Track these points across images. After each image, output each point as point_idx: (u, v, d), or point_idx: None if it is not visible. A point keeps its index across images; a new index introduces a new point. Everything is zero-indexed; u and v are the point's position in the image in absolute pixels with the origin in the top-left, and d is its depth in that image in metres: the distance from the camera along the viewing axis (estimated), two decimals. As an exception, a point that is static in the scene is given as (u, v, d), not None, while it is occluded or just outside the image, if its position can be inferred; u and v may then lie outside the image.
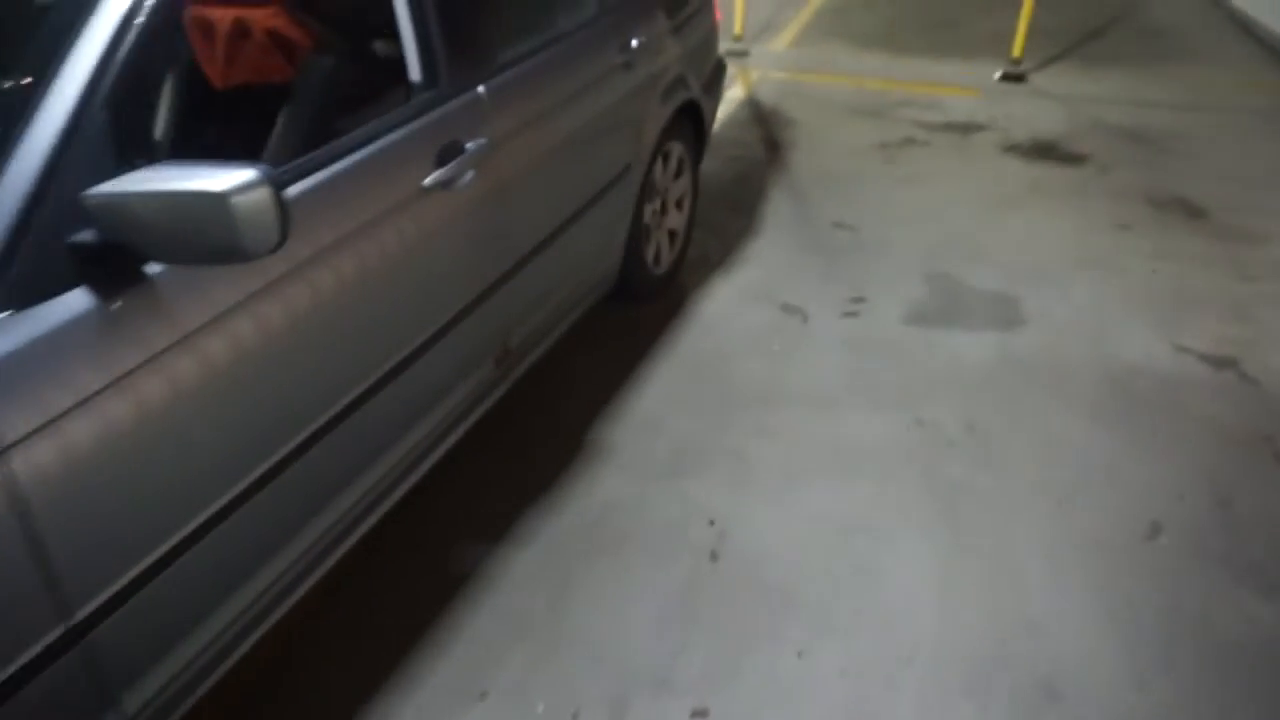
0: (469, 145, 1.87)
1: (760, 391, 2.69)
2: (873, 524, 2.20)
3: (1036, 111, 4.90)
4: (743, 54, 5.89)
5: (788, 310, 3.09)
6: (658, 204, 3.01)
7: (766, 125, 4.77)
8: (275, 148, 1.98)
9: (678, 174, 3.12)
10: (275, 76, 2.33)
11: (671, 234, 3.19)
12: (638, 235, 2.87)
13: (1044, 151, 4.39)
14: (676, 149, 3.05)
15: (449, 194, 1.81)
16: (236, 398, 1.42)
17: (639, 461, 2.40)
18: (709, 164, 4.18)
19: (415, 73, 1.89)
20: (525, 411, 2.56)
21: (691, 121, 3.13)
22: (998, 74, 5.39)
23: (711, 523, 2.20)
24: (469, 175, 1.86)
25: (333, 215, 1.57)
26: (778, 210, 3.82)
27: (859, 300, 3.15)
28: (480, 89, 1.95)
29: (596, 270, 2.62)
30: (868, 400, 2.64)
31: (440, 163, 1.79)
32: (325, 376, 1.61)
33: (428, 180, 1.74)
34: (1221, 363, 2.80)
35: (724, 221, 3.70)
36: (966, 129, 4.68)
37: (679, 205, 3.20)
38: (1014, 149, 4.42)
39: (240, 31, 2.25)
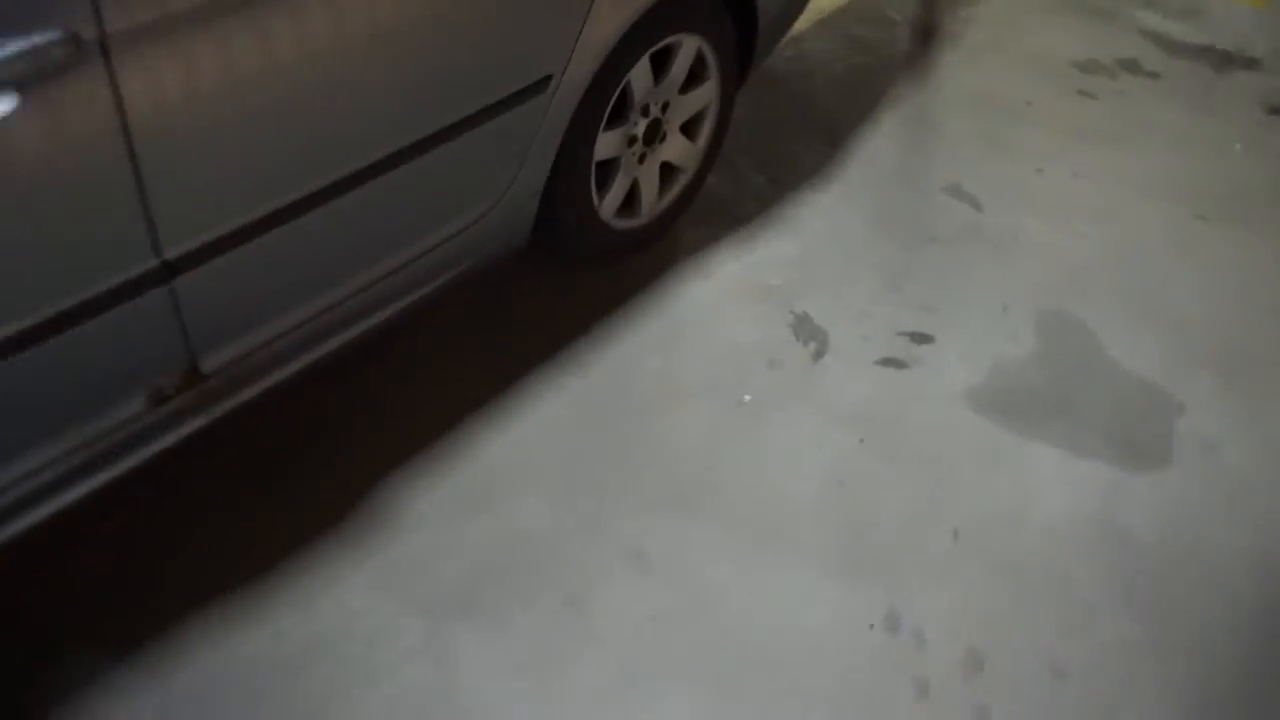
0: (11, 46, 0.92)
1: (682, 475, 1.71)
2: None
3: (1348, 56, 3.26)
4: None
5: (800, 329, 2.02)
6: (639, 128, 1.94)
7: (933, 2, 3.38)
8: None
9: (690, 83, 2.01)
10: None
11: (668, 169, 2.12)
12: (583, 174, 1.84)
13: (1332, 129, 2.87)
14: (689, 45, 1.92)
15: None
16: None
17: (422, 567, 1.52)
18: (813, 46, 2.94)
19: None
20: (294, 433, 1.70)
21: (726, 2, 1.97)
22: (1311, -18, 3.65)
23: (453, 739, 1.33)
24: (6, 104, 0.93)
25: None
26: (877, 147, 2.60)
27: (920, 339, 2.03)
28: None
29: (460, 239, 1.64)
30: (833, 544, 1.62)
31: None
32: None
33: None
34: None
35: (788, 149, 2.54)
36: (1225, 62, 3.14)
37: (690, 131, 2.10)
38: (1285, 114, 2.92)
39: None
